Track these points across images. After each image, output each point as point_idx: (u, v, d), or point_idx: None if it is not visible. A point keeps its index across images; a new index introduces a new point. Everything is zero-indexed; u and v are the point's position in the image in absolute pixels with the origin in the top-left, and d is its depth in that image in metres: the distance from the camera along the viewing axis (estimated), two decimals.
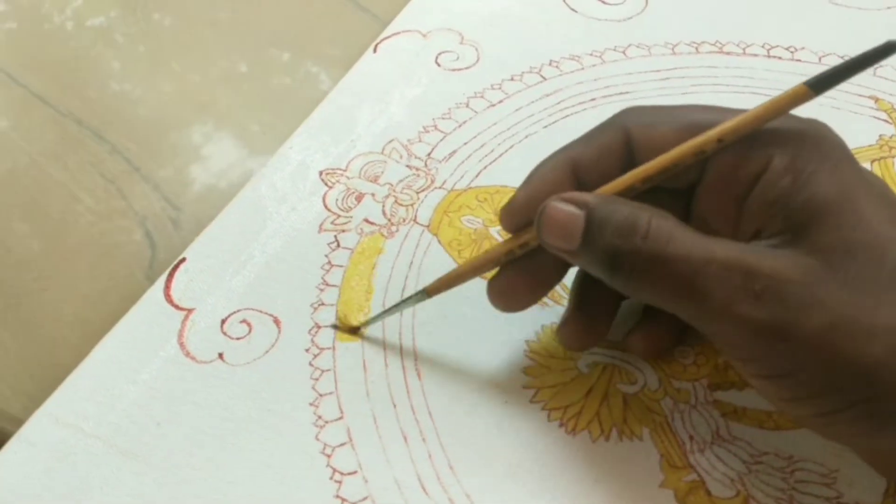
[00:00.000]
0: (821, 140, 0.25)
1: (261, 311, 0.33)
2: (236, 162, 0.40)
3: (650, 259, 0.24)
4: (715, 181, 0.26)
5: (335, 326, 0.32)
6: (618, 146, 0.27)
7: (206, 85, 0.45)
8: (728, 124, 0.25)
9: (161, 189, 0.40)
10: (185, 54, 0.46)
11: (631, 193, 0.27)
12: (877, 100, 0.42)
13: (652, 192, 0.27)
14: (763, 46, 0.44)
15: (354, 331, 0.32)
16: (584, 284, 0.30)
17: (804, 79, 0.36)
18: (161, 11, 0.49)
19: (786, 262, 0.23)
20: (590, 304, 0.30)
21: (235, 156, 0.41)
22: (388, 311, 0.32)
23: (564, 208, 0.26)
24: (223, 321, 0.33)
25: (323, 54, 0.46)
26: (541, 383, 0.31)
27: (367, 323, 0.32)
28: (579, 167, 0.28)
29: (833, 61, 0.44)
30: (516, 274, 0.29)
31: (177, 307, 0.33)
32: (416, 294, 0.31)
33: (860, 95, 0.42)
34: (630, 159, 0.27)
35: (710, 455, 0.29)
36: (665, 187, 0.27)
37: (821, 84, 0.24)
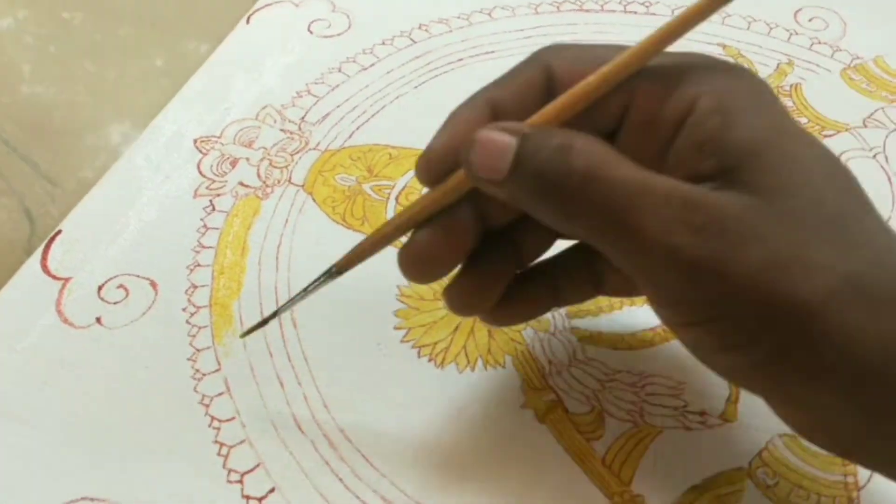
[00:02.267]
0: (747, 80, 0.24)
1: (137, 276, 0.34)
2: None
3: (584, 180, 0.22)
4: (638, 123, 0.25)
5: (244, 335, 0.31)
6: (539, 84, 0.25)
7: (122, 83, 0.44)
8: (653, 35, 0.23)
9: (39, 168, 0.40)
10: (98, 53, 0.46)
11: (558, 122, 0.25)
12: (724, 46, 0.44)
13: None
14: (620, 3, 0.47)
15: (262, 324, 0.30)
16: (480, 247, 0.27)
17: None
18: (70, 10, 0.48)
19: (727, 197, 0.22)
20: (482, 267, 0.27)
21: None
22: (296, 298, 0.29)
23: (496, 135, 0.23)
24: (100, 287, 0.34)
25: (216, 35, 0.46)
26: (411, 323, 0.33)
27: (275, 314, 0.30)
28: (499, 108, 0.25)
29: None
30: (430, 234, 0.26)
31: (54, 277, 0.34)
32: (325, 274, 0.28)
33: (709, 43, 0.44)
34: (552, 98, 0.25)
35: (567, 376, 0.31)
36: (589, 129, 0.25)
37: None
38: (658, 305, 0.24)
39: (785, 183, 0.22)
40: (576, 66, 0.25)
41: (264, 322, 0.30)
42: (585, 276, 0.29)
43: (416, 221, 0.26)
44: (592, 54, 0.25)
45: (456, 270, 0.27)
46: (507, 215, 0.26)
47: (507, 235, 0.27)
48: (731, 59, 0.25)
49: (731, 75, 0.24)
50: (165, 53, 0.46)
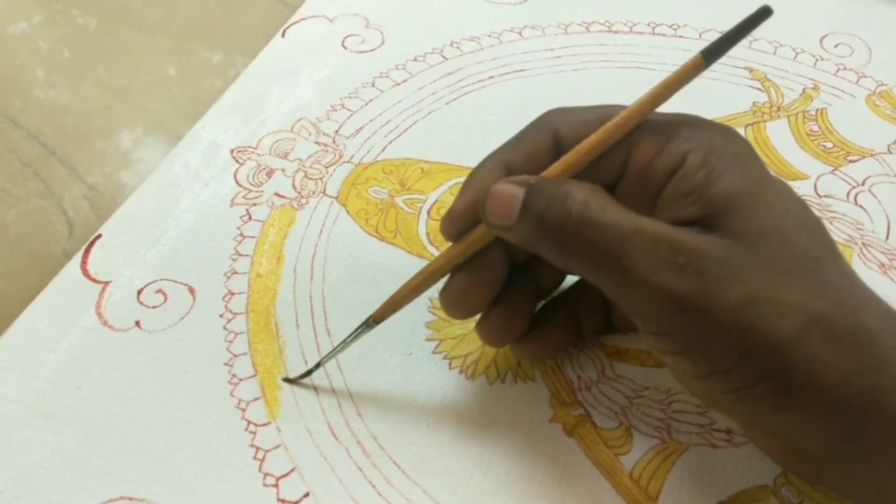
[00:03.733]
0: (731, 141, 0.27)
1: (176, 282, 0.35)
2: None
3: (579, 222, 0.25)
4: (635, 174, 0.27)
5: (286, 380, 0.32)
6: (547, 145, 0.28)
7: (134, 90, 0.45)
8: (642, 98, 0.27)
9: (77, 171, 0.41)
10: (111, 59, 0.47)
11: (565, 176, 0.28)
12: (751, 70, 0.45)
13: None
14: (648, 25, 0.48)
15: (303, 376, 0.32)
16: (507, 282, 0.30)
17: (687, 53, 0.38)
18: (84, 15, 0.49)
19: (707, 240, 0.24)
20: (509, 301, 0.30)
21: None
22: (337, 349, 0.31)
23: (507, 187, 0.27)
24: (139, 291, 0.34)
25: (249, 48, 0.47)
26: (443, 335, 0.34)
27: (315, 368, 0.32)
28: (513, 168, 0.29)
29: (713, 36, 0.47)
30: (466, 278, 0.29)
31: (94, 280, 0.35)
32: (363, 325, 0.31)
33: (736, 67, 0.45)
34: (558, 157, 0.28)
35: (595, 392, 0.32)
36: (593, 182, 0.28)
37: (712, 54, 0.26)
38: (647, 336, 0.26)
39: (759, 229, 0.24)
40: (580, 126, 0.28)
41: (308, 373, 0.32)
42: (601, 305, 0.32)
43: (444, 273, 0.29)
44: (595, 114, 0.28)
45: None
46: (526, 252, 0.29)
47: (525, 271, 0.30)
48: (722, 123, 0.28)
49: (718, 134, 0.27)
50: (178, 61, 0.47)
